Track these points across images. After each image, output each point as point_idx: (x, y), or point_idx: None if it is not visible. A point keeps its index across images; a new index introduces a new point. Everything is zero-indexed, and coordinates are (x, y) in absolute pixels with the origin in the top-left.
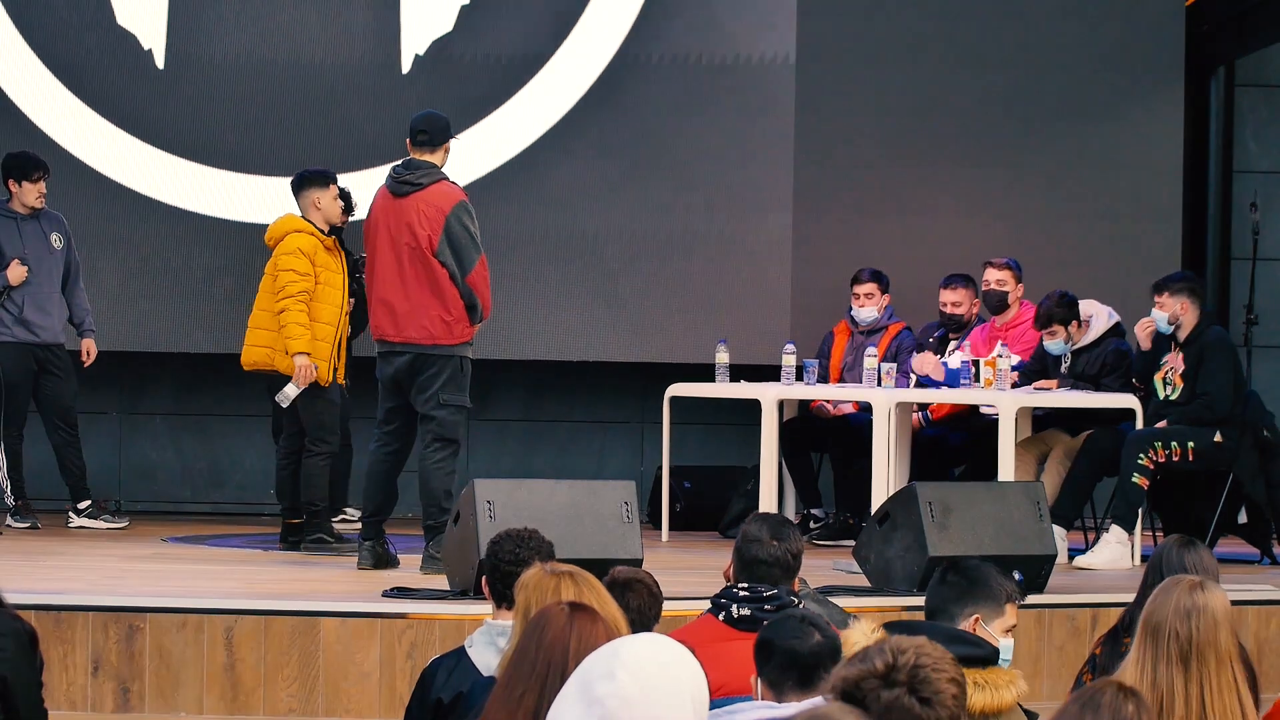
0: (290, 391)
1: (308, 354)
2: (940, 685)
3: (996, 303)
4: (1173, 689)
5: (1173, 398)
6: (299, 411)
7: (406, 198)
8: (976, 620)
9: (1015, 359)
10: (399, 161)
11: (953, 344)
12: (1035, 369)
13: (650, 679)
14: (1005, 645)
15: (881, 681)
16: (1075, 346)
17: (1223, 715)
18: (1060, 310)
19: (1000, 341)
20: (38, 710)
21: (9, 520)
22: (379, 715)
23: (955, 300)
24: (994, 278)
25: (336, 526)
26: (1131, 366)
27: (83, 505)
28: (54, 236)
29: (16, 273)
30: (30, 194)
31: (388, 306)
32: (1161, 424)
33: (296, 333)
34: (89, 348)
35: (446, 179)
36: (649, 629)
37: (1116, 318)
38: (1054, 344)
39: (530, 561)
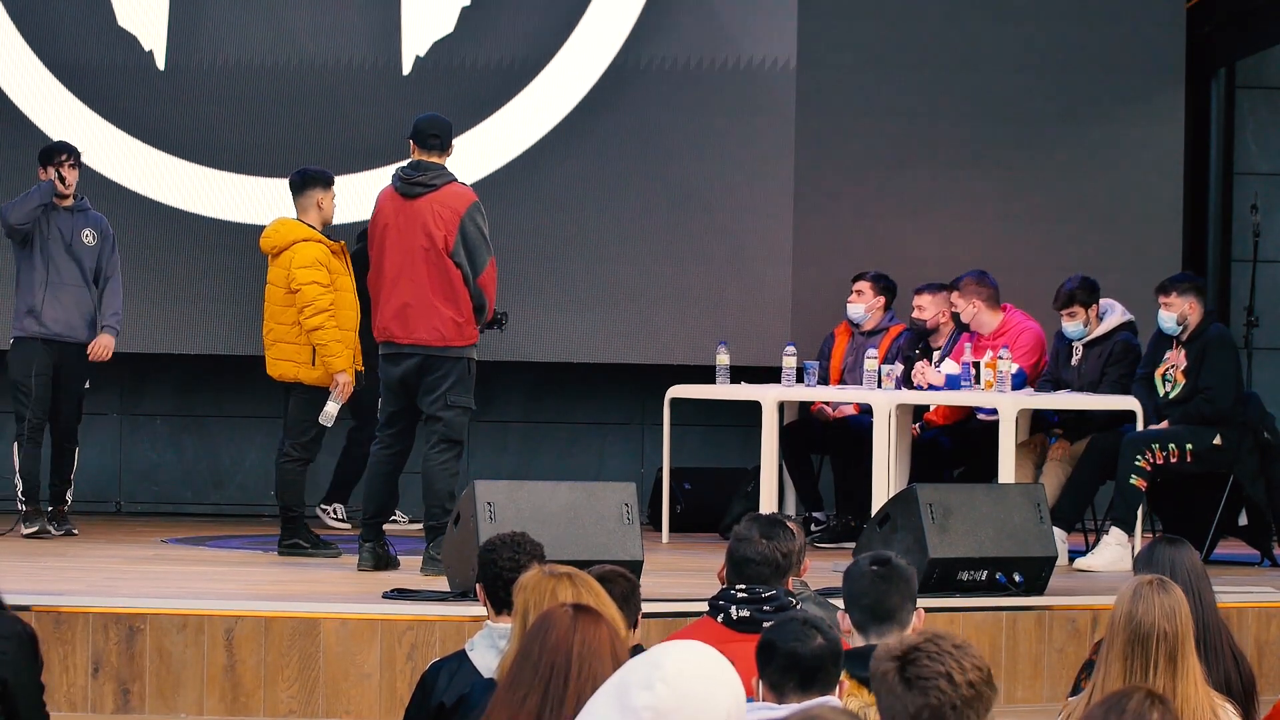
0: (332, 410)
1: (346, 370)
2: (929, 672)
3: (959, 321)
4: (1162, 690)
5: (1173, 395)
6: (289, 407)
7: (419, 199)
8: (921, 616)
9: (1015, 366)
10: (404, 163)
11: (937, 353)
12: (1050, 379)
13: (689, 694)
14: None
15: (886, 655)
16: (1089, 338)
17: (1194, 700)
18: (1082, 293)
19: (1003, 345)
20: (39, 713)
21: (20, 527)
22: (379, 717)
23: (920, 305)
24: (953, 299)
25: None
26: (1137, 361)
27: (31, 508)
28: (86, 232)
29: (47, 177)
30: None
31: (396, 308)
32: (1163, 423)
33: (336, 350)
34: (102, 343)
35: (457, 180)
36: (635, 616)
37: (1130, 316)
38: (1073, 325)
39: (529, 566)
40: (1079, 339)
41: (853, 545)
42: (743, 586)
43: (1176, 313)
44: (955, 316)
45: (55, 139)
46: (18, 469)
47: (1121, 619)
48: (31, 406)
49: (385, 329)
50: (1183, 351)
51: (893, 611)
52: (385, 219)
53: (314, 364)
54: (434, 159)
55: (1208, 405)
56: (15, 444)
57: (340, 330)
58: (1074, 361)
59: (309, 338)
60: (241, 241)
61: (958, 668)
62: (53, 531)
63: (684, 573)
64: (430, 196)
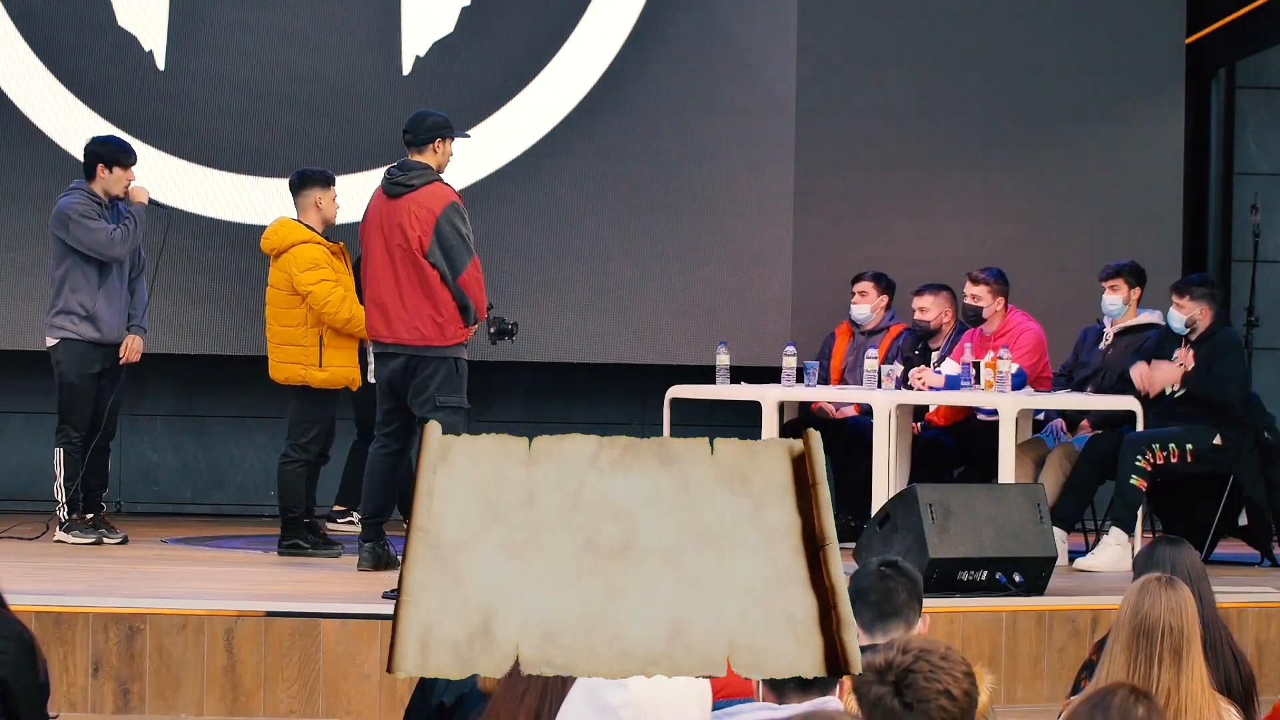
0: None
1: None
2: (929, 693)
3: (973, 316)
4: (1166, 686)
5: (1179, 394)
6: (291, 407)
7: (399, 199)
8: (927, 622)
9: (1015, 366)
10: (395, 163)
11: (936, 353)
12: (1064, 374)
13: (661, 683)
14: None
15: (876, 678)
16: (1123, 324)
17: (1199, 699)
18: (1128, 272)
19: (1004, 345)
20: (39, 714)
21: (65, 535)
22: (379, 717)
23: (921, 306)
24: (970, 292)
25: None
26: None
27: (74, 515)
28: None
29: (138, 191)
30: (120, 183)
31: (380, 308)
32: (1168, 419)
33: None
34: (133, 345)
35: (439, 180)
36: None
37: (1163, 320)
38: (1112, 299)
39: None
40: (1115, 315)
41: (852, 545)
42: None
43: (1187, 315)
44: (956, 315)
45: (55, 139)
46: (61, 474)
47: (1127, 613)
48: (79, 411)
49: (372, 328)
50: (1192, 352)
51: (899, 609)
52: (371, 219)
53: (320, 365)
54: (418, 157)
55: (1219, 390)
56: (61, 450)
57: (358, 305)
58: (1102, 345)
59: (344, 329)
60: (241, 241)
61: (952, 680)
62: (107, 540)
63: None
64: (409, 196)
